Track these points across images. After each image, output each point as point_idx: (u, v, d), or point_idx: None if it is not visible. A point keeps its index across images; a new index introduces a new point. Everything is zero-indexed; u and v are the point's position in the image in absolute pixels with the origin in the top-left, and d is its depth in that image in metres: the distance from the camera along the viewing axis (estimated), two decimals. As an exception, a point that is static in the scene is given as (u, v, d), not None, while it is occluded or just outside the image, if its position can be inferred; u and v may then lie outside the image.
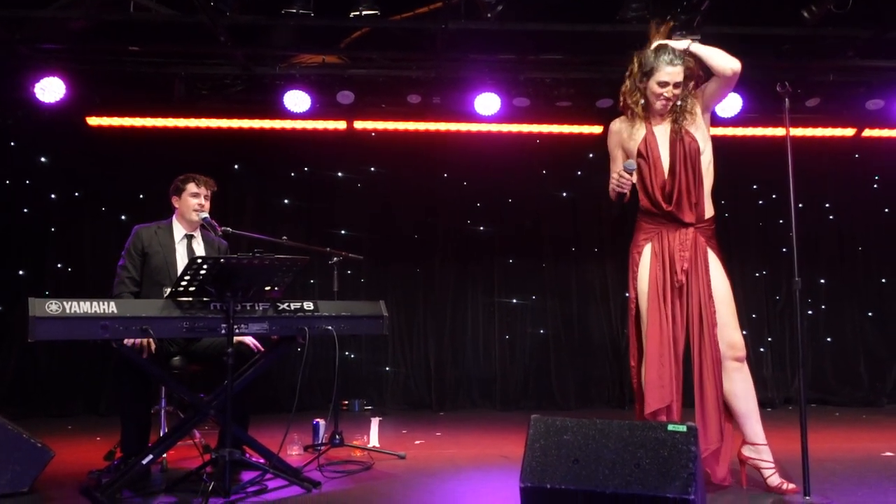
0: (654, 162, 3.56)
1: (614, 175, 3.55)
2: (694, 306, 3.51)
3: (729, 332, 3.54)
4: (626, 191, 3.51)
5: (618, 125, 3.71)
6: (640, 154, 3.59)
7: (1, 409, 5.15)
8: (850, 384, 6.93)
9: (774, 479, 3.50)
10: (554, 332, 6.98)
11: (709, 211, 3.61)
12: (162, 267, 4.02)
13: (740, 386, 3.55)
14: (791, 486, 3.44)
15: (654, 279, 3.54)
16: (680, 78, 3.49)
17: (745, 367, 3.58)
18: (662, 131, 3.60)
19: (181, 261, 4.04)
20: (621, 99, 3.69)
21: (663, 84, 3.50)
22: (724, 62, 3.47)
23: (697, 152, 3.52)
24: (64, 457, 4.20)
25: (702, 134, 3.58)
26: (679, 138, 3.53)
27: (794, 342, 6.93)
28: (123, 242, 4.22)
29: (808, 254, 6.89)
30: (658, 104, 3.54)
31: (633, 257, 3.66)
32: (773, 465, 3.54)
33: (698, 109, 3.60)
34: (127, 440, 3.77)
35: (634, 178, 3.53)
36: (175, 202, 4.23)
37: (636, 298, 3.64)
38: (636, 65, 3.60)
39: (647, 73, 3.54)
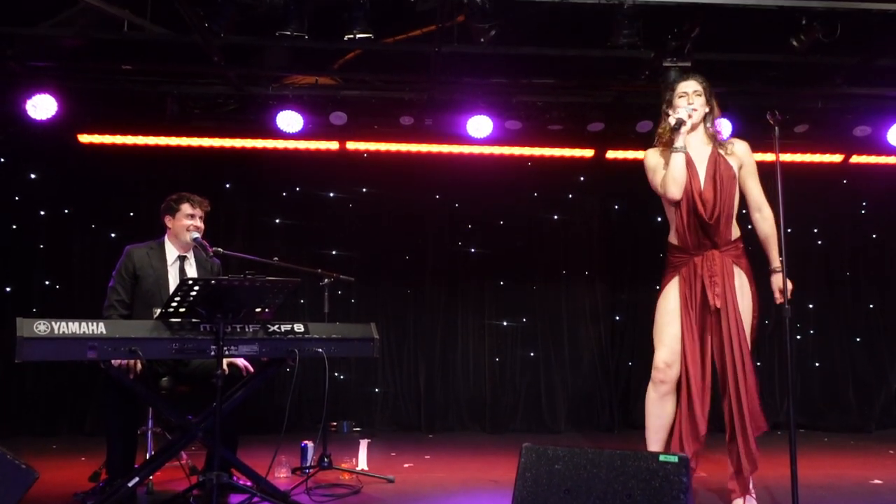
0: (692, 177, 3.66)
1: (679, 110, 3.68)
2: (724, 330, 3.59)
3: None
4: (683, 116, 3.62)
5: (651, 155, 3.86)
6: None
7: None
8: (839, 409, 6.94)
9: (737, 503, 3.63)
10: (544, 355, 6.97)
11: (735, 233, 3.73)
12: (153, 290, 3.99)
13: None
14: None
15: (684, 304, 3.68)
16: (696, 87, 3.73)
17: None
18: (700, 154, 3.72)
19: (173, 283, 4.01)
20: (657, 138, 3.88)
21: (682, 95, 3.74)
22: None
23: (733, 178, 3.66)
24: (49, 478, 4.15)
25: (735, 167, 3.71)
26: (718, 162, 3.68)
27: (783, 367, 6.95)
28: (112, 260, 4.19)
29: (797, 278, 6.84)
30: (687, 113, 3.68)
31: (664, 280, 3.83)
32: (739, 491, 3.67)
33: (738, 157, 3.73)
34: (112, 461, 3.73)
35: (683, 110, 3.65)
36: (168, 222, 4.19)
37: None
38: (664, 100, 3.89)
39: (669, 99, 3.81)
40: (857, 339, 7.15)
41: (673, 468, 2.50)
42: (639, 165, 6.46)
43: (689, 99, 3.71)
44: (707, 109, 3.75)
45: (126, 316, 3.95)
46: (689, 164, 3.67)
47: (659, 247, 7.02)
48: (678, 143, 3.64)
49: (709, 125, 3.76)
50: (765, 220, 3.73)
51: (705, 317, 3.66)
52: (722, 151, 3.71)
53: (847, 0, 4.42)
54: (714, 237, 3.65)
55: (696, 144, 3.73)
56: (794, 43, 4.78)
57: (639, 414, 6.75)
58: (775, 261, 3.69)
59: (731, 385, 3.57)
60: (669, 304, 3.73)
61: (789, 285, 3.55)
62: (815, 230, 7.25)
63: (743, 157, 3.73)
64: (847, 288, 7.24)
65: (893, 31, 4.89)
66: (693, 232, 3.68)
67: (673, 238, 3.80)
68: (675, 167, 3.64)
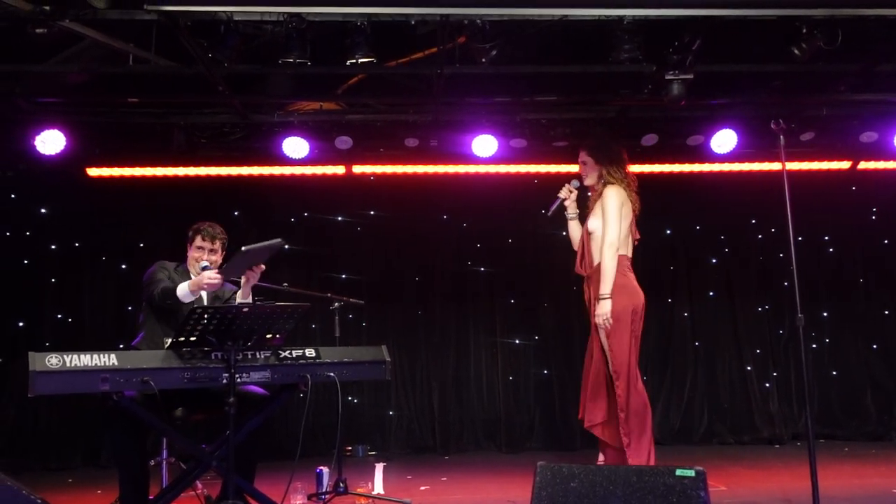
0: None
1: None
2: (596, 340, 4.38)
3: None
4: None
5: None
6: None
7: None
8: (858, 418, 6.87)
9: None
10: (558, 373, 6.93)
11: (595, 259, 4.39)
12: (176, 306, 3.98)
13: None
14: None
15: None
16: (581, 158, 4.54)
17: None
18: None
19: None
20: None
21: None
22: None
23: (588, 233, 4.46)
24: (64, 512, 4.15)
25: (599, 213, 4.40)
26: (586, 220, 4.50)
27: (799, 376, 6.88)
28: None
29: (810, 287, 6.87)
30: (583, 178, 4.57)
31: None
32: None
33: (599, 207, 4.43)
34: (125, 494, 3.71)
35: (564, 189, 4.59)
36: (188, 250, 4.22)
37: None
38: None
39: None
40: (874, 346, 7.08)
41: (690, 482, 2.47)
42: (644, 179, 6.48)
43: (580, 166, 4.52)
44: (599, 167, 4.45)
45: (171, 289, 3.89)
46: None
47: (666, 261, 7.08)
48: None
49: (602, 182, 4.43)
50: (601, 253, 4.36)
51: (592, 330, 4.42)
52: (593, 207, 4.45)
53: (846, 7, 4.41)
54: (586, 276, 4.52)
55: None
56: (796, 52, 4.77)
57: (655, 428, 6.68)
58: (601, 288, 4.27)
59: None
60: None
61: (603, 310, 4.23)
62: (826, 238, 7.21)
63: (602, 200, 4.38)
64: (860, 295, 7.19)
65: (894, 36, 4.89)
66: None
67: None
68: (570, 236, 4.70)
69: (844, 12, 4.42)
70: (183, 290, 3.77)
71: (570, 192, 4.57)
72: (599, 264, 4.31)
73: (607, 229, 4.29)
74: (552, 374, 6.94)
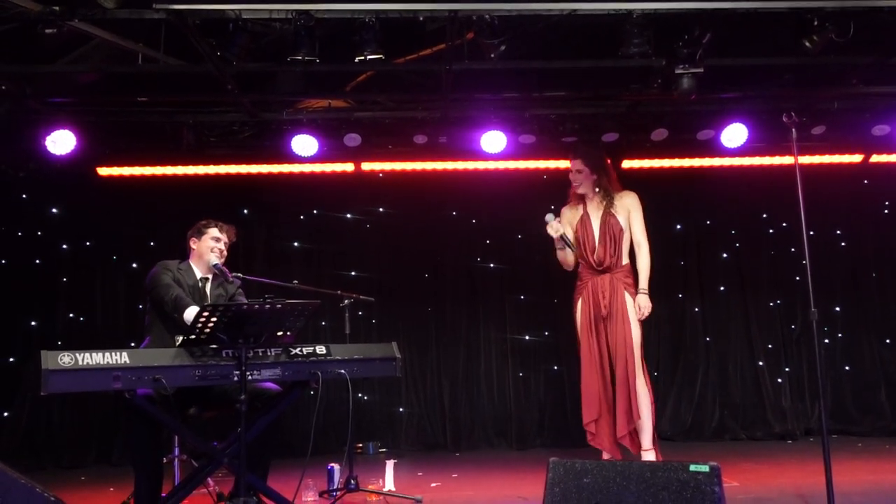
0: (588, 234, 4.80)
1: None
2: (616, 332, 4.64)
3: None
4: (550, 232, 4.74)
5: (565, 211, 4.97)
6: (577, 230, 4.87)
7: (13, 461, 5.13)
8: (872, 413, 6.82)
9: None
10: (568, 369, 6.90)
11: (624, 261, 4.76)
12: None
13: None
14: None
15: (585, 315, 4.78)
16: (575, 167, 4.85)
17: (637, 387, 4.60)
18: (595, 213, 4.81)
19: (202, 302, 4.02)
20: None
21: (569, 171, 4.90)
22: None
23: (620, 230, 4.74)
24: (77, 510, 4.17)
25: (624, 217, 4.77)
26: (608, 219, 4.76)
27: (812, 371, 6.85)
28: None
29: (822, 281, 6.80)
30: (574, 185, 4.86)
31: (574, 300, 4.91)
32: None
33: (626, 208, 4.77)
34: (140, 492, 3.73)
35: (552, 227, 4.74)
36: (193, 243, 4.20)
37: (577, 331, 4.88)
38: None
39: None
40: (888, 341, 7.03)
41: (704, 478, 2.46)
42: (655, 174, 6.48)
43: (573, 175, 4.83)
44: (595, 177, 4.79)
45: (183, 305, 3.88)
46: (587, 224, 4.82)
47: (677, 256, 7.04)
48: (558, 246, 4.78)
49: (597, 189, 4.80)
50: (641, 255, 4.74)
51: (600, 323, 4.71)
52: (612, 209, 4.74)
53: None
54: (605, 270, 4.74)
55: (591, 209, 4.84)
56: (807, 44, 4.73)
57: (666, 424, 6.69)
58: (642, 283, 4.68)
59: (619, 371, 4.60)
60: (580, 321, 4.84)
61: (647, 303, 4.65)
62: (838, 232, 7.16)
63: (629, 206, 4.77)
64: (874, 289, 7.13)
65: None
66: (590, 268, 4.81)
67: (581, 260, 4.86)
68: (562, 258, 4.86)
69: (856, 4, 4.38)
70: (190, 315, 3.72)
71: (559, 224, 4.76)
72: (626, 265, 4.76)
73: (642, 234, 4.76)
74: (562, 371, 6.93)
